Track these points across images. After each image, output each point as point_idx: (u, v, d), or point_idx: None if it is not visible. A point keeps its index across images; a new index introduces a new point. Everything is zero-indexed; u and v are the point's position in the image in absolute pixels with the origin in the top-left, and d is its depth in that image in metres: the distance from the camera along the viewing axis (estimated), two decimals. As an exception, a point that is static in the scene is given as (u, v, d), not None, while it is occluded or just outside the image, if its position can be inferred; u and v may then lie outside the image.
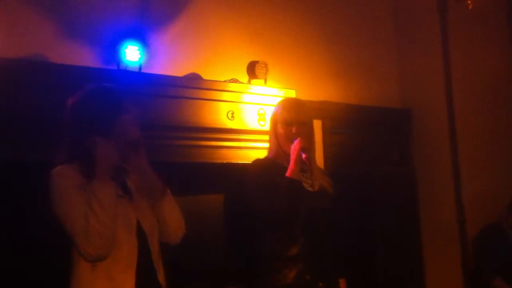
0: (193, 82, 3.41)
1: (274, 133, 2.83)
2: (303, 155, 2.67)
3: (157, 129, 3.08)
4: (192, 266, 3.49)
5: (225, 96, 3.42)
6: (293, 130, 2.73)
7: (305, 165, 2.74)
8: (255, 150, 3.39)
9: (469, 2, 4.20)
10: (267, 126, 3.13)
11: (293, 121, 2.75)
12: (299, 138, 2.69)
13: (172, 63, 3.49)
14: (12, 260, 2.72)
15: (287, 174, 2.65)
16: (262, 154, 3.05)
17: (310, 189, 2.74)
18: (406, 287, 4.03)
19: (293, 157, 2.67)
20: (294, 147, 2.67)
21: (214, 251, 3.60)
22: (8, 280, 2.69)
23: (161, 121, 3.13)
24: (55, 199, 2.11)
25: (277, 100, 3.11)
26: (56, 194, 2.11)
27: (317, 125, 4.26)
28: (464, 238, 4.52)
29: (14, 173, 2.67)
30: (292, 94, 3.68)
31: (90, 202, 2.06)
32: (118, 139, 2.17)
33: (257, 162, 2.85)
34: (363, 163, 4.24)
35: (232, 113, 3.42)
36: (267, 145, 2.95)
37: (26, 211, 2.77)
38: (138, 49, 3.15)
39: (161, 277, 2.28)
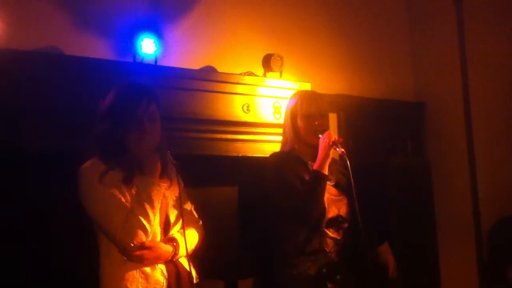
0: (209, 75, 3.40)
1: (292, 126, 2.77)
2: (339, 150, 2.59)
3: (172, 121, 3.05)
4: (206, 259, 3.48)
5: (240, 89, 3.40)
6: (316, 122, 2.69)
7: (343, 159, 2.63)
8: (270, 144, 3.37)
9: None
10: (282, 119, 3.10)
11: (314, 113, 2.71)
12: (328, 131, 2.64)
13: (187, 55, 3.48)
14: (39, 251, 2.73)
15: (315, 167, 2.59)
16: (277, 147, 3.04)
17: (329, 183, 2.70)
18: (421, 280, 4.02)
19: (322, 151, 2.59)
20: (324, 141, 2.61)
21: (228, 244, 3.59)
22: (34, 272, 2.70)
23: (176, 113, 3.11)
24: (86, 195, 2.13)
25: (292, 93, 3.09)
26: (87, 190, 2.13)
27: (332, 118, 4.23)
28: (479, 231, 4.50)
29: (26, 165, 2.66)
30: (307, 87, 3.65)
31: (139, 198, 2.10)
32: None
33: (276, 155, 2.81)
34: (377, 156, 4.21)
35: (248, 106, 3.40)
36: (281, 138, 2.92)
37: (42, 203, 2.77)
38: (154, 42, 3.14)
39: (190, 268, 2.33)
